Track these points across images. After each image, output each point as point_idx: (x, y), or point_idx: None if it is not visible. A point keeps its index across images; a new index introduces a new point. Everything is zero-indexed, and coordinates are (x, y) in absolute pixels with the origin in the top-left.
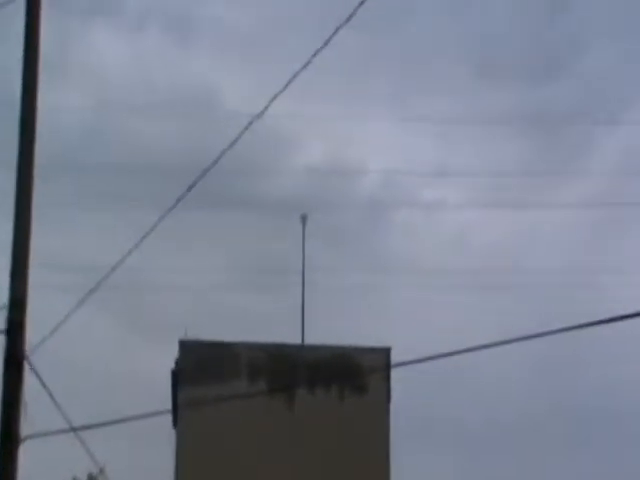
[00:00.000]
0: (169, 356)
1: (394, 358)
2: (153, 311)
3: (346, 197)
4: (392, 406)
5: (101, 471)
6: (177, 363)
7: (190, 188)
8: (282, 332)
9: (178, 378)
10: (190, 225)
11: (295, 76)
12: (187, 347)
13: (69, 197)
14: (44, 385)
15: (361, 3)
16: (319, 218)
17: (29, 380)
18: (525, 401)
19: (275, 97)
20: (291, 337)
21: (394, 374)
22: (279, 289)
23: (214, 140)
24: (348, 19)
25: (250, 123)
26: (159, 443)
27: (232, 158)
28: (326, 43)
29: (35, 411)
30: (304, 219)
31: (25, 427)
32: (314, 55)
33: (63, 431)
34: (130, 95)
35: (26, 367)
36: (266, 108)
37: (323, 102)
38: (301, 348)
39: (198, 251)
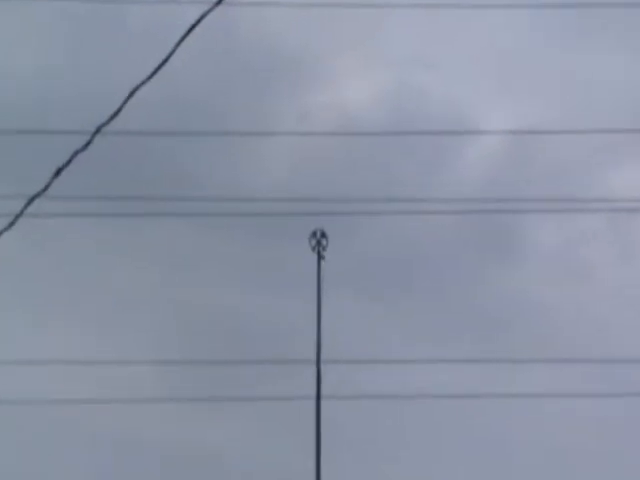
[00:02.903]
0: None
1: None
2: None
3: (421, 189)
4: None
5: None
6: None
7: (59, 172)
8: None
9: None
10: (63, 257)
11: None
12: None
13: None
14: None
15: None
16: (355, 240)
17: None
18: None
19: None
20: None
21: None
22: (262, 412)
23: (130, 61)
24: None
25: (201, 18)
26: None
27: (167, 99)
28: None
29: None
30: (319, 241)
31: None
32: None
33: None
34: None
35: None
36: None
37: None
38: None
39: (81, 322)
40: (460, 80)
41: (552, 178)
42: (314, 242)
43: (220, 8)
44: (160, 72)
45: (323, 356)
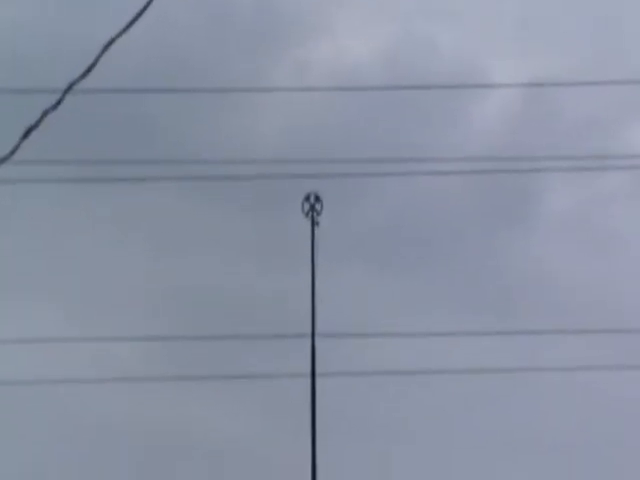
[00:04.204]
0: None
1: None
2: None
3: (428, 148)
4: None
5: None
6: None
7: (28, 133)
8: None
9: None
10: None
11: None
12: None
13: None
14: None
15: None
16: (355, 205)
17: None
18: None
19: None
20: None
21: None
22: (254, 389)
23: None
24: None
25: None
26: None
27: (149, 54)
28: None
29: None
30: (313, 205)
31: None
32: None
33: None
34: None
35: None
36: None
37: None
38: None
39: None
40: (471, 30)
41: (571, 134)
42: (307, 207)
43: None
44: (142, 25)
45: (319, 330)
